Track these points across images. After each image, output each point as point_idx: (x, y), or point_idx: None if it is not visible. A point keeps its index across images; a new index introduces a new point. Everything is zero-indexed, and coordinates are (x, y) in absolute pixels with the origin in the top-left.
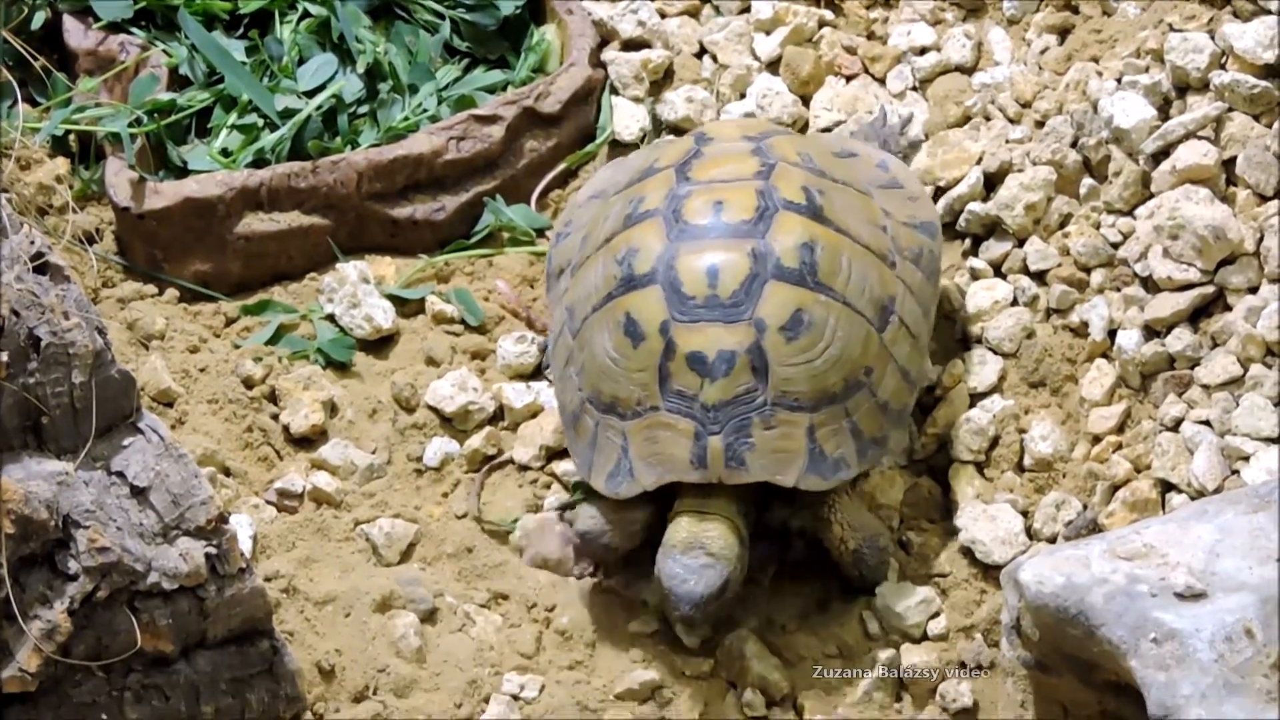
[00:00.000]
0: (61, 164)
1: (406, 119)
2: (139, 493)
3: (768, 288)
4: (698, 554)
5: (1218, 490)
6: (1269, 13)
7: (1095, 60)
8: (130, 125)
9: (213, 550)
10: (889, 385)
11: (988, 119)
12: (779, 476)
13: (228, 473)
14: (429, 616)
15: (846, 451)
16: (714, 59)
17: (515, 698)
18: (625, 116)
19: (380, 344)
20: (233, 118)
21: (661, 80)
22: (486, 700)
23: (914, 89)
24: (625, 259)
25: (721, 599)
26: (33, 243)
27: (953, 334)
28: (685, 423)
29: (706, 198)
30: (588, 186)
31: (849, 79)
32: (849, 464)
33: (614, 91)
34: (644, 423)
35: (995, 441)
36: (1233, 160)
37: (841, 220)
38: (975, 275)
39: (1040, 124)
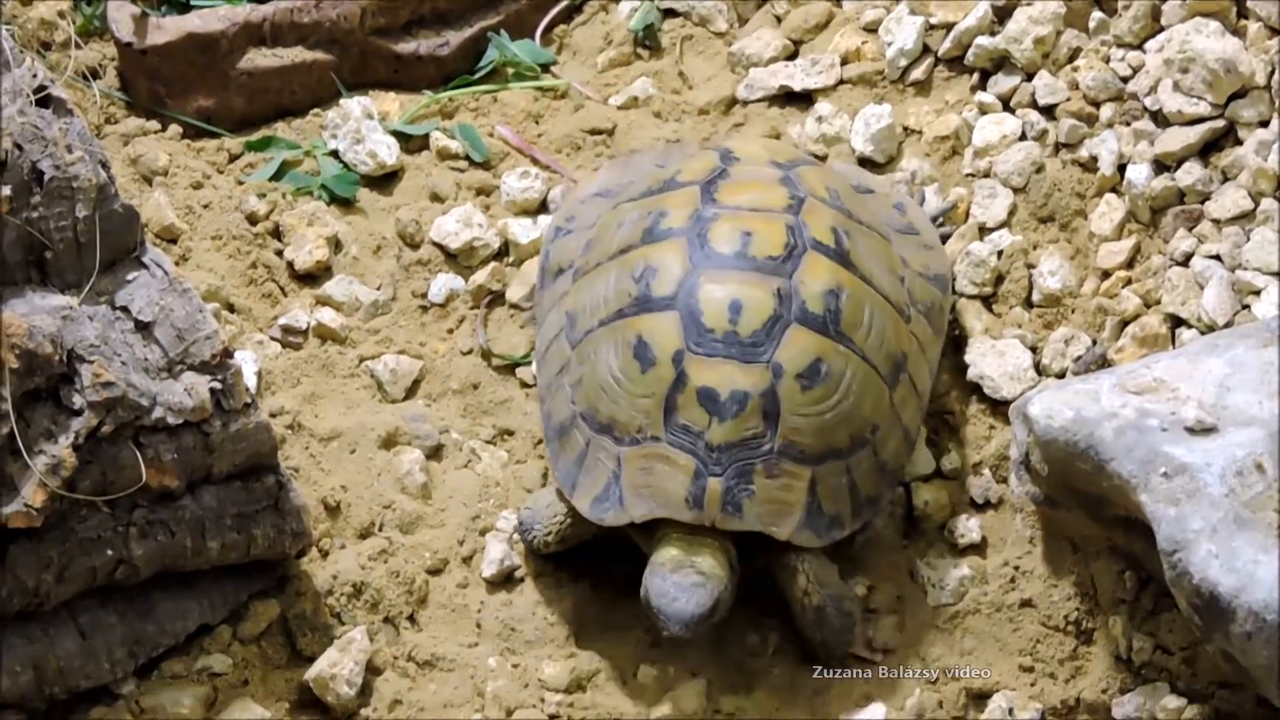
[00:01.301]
0: None
1: None
2: (143, 327)
3: (790, 332)
4: (688, 573)
5: (1228, 325)
6: None
7: None
8: None
9: (218, 385)
10: (891, 446)
11: None
12: (774, 529)
13: (232, 309)
14: (434, 452)
15: (842, 510)
16: None
17: (510, 537)
18: None
19: (384, 180)
20: None
21: None
22: (484, 534)
23: None
24: (643, 277)
25: (711, 619)
26: (35, 76)
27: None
28: (686, 459)
29: (734, 225)
30: (590, 182)
31: None
32: (843, 523)
33: None
34: (642, 451)
35: (1003, 277)
36: None
37: (866, 268)
38: (983, 110)
39: None
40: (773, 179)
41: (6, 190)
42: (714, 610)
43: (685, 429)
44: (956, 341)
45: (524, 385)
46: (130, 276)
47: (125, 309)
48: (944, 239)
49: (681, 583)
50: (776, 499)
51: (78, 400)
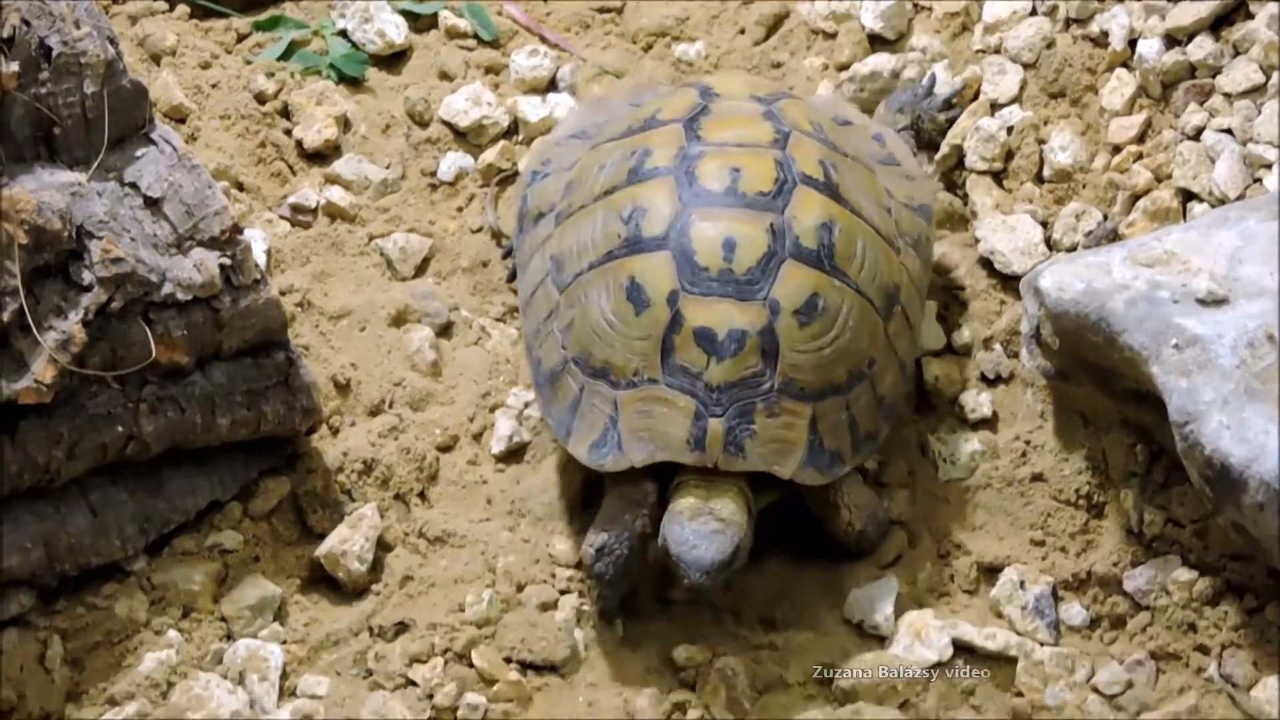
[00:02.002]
0: None
1: None
2: (152, 203)
3: (785, 268)
4: (707, 520)
5: (1239, 198)
6: None
7: None
8: None
9: (227, 261)
10: (888, 380)
11: None
12: (777, 467)
13: (241, 188)
14: (444, 330)
15: (843, 446)
16: None
17: (520, 413)
18: None
19: (393, 59)
20: None
21: None
22: (493, 411)
23: None
24: (632, 217)
25: (731, 566)
26: None
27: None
28: (685, 400)
29: (722, 161)
30: (564, 124)
31: None
32: (844, 459)
33: None
34: (639, 394)
35: (1013, 153)
36: None
37: (855, 200)
38: None
39: None
40: (756, 114)
41: (14, 66)
42: (734, 557)
43: (683, 370)
44: (965, 218)
45: None
46: (139, 153)
47: (134, 185)
48: (952, 121)
49: (701, 530)
50: (778, 437)
51: (87, 276)
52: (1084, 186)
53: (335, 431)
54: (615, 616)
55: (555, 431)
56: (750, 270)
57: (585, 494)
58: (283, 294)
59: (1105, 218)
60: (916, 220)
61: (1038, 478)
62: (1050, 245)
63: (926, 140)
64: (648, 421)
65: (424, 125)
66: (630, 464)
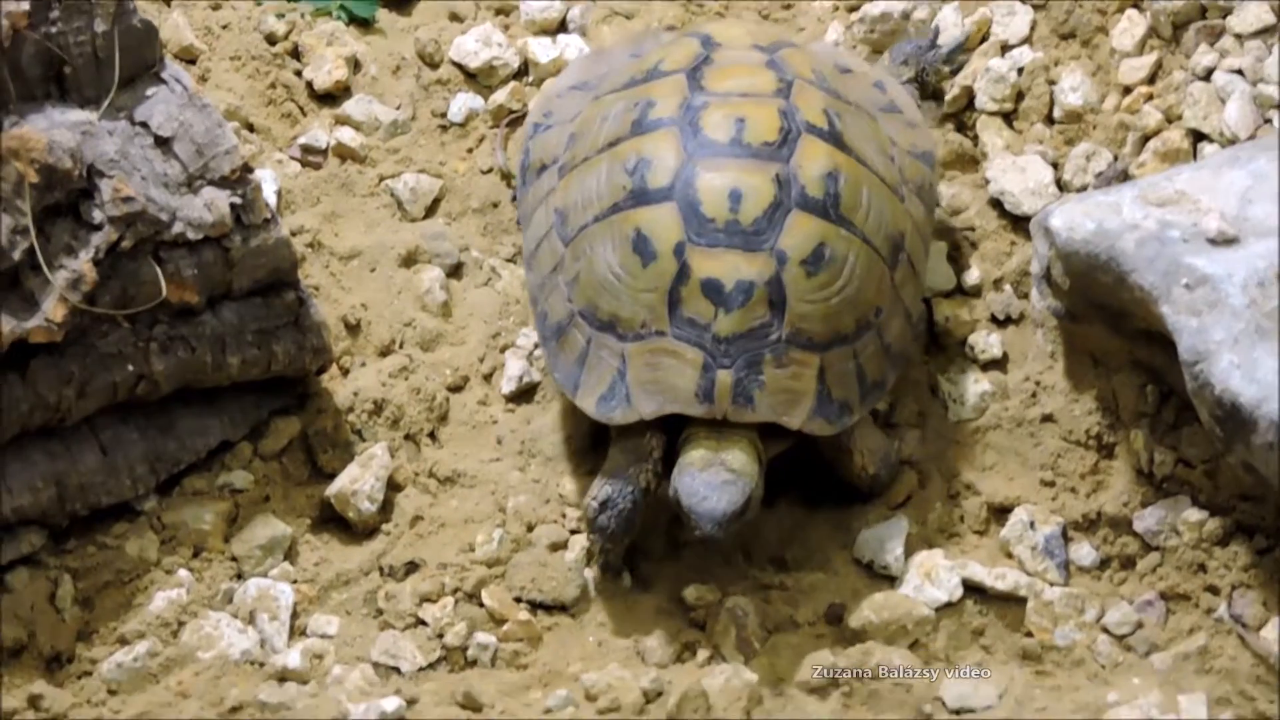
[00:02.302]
0: None
1: None
2: (163, 143)
3: (791, 217)
4: (718, 471)
5: (1250, 139)
6: None
7: None
8: None
9: (237, 200)
10: (894, 328)
11: None
12: (786, 418)
13: (251, 129)
14: (454, 270)
15: (851, 396)
16: None
17: (530, 354)
18: None
19: (403, 0)
20: None
21: None
22: (504, 351)
23: None
24: (637, 169)
25: (743, 517)
26: None
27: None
28: (693, 352)
29: (726, 112)
30: (564, 76)
31: None
32: (852, 409)
33: None
34: (647, 346)
35: (1023, 93)
36: None
37: (860, 149)
38: None
39: None
40: (759, 63)
41: (24, 5)
42: (746, 507)
43: (691, 322)
44: (976, 159)
45: None
46: (149, 92)
47: (144, 124)
48: (957, 70)
49: (712, 481)
50: (787, 388)
51: (97, 215)
52: (1094, 127)
53: (346, 372)
54: (619, 570)
55: (562, 385)
56: (757, 221)
57: (595, 435)
58: (293, 235)
59: (1115, 158)
60: (920, 167)
61: (1048, 418)
62: (1061, 186)
63: (931, 91)
64: (656, 374)
65: (434, 66)
66: (639, 416)
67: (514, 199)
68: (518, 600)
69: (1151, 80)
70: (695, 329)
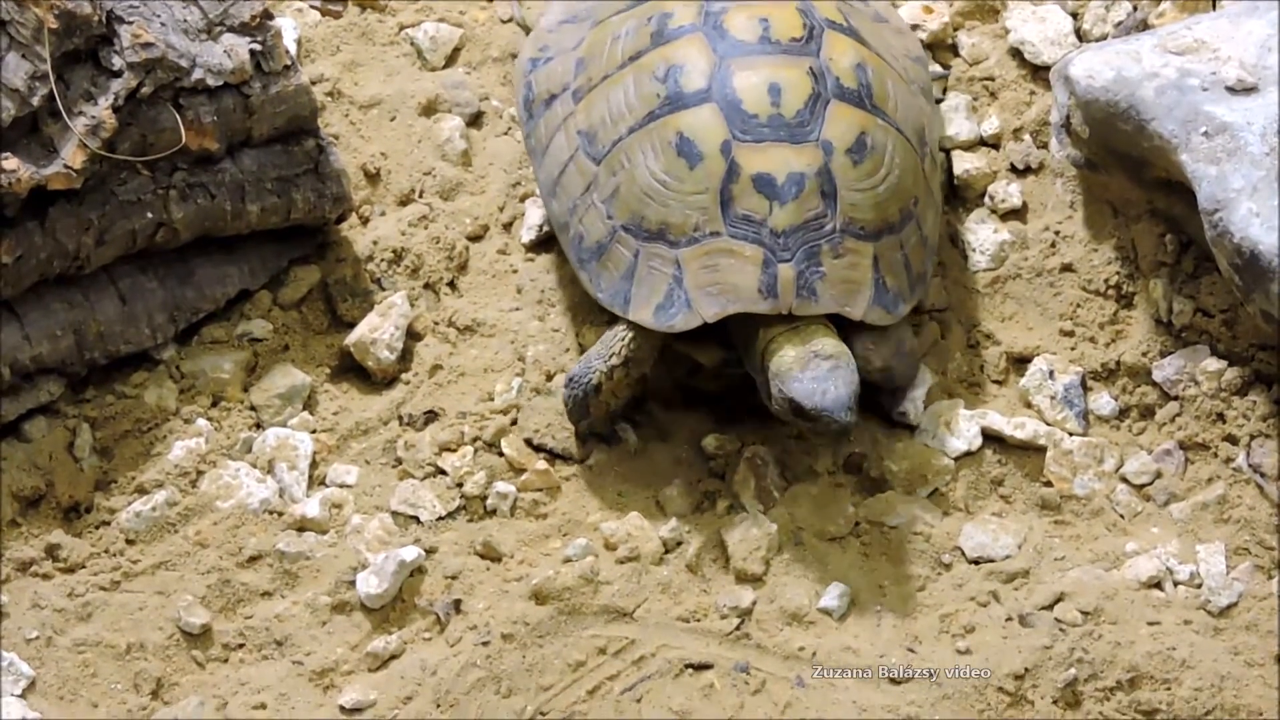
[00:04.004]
0: None
1: None
2: None
3: (831, 108)
4: (819, 363)
5: None
6: None
7: None
8: None
9: (257, 46)
10: (929, 219)
11: None
12: (848, 308)
13: None
14: (474, 120)
15: (901, 285)
16: None
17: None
18: None
19: None
20: None
21: None
22: (524, 200)
23: None
24: (669, 76)
25: (859, 395)
26: None
27: None
28: (752, 249)
29: (749, 13)
30: (550, 14)
31: None
32: (905, 298)
33: None
34: (703, 249)
35: None
36: None
37: (876, 44)
38: None
39: None
40: None
41: None
42: (859, 387)
43: (746, 219)
44: (996, 8)
45: None
46: None
47: None
48: None
49: (820, 373)
50: (847, 278)
51: (117, 61)
52: None
53: (365, 221)
54: (602, 436)
55: (610, 303)
56: (799, 113)
57: None
58: (313, 83)
59: (1135, 8)
60: (918, 69)
61: (1067, 268)
62: (1080, 36)
63: None
64: (716, 275)
65: None
66: (702, 320)
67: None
68: (528, 443)
69: None
70: (751, 225)
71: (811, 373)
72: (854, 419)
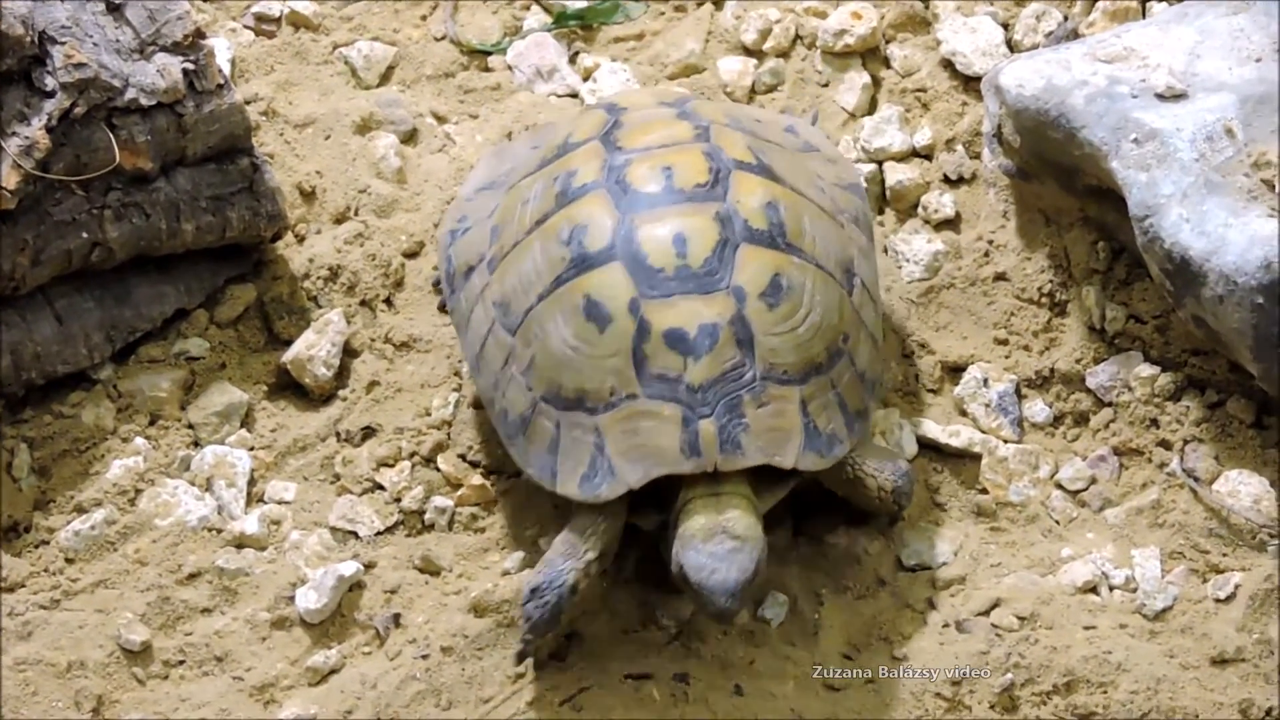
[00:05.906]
0: None
1: None
2: (115, 9)
3: (741, 252)
4: (722, 539)
5: None
6: None
7: None
8: None
9: (190, 66)
10: (864, 353)
11: None
12: (778, 458)
13: None
14: (409, 138)
15: (837, 426)
16: None
17: None
18: None
19: None
20: None
21: None
22: None
23: None
24: (573, 237)
25: (754, 583)
26: None
27: None
28: (671, 408)
29: (651, 164)
30: (470, 180)
31: None
32: (841, 439)
33: None
34: (621, 413)
35: None
36: None
37: (791, 179)
38: None
39: None
40: (670, 115)
41: None
42: (756, 573)
43: (661, 378)
44: (927, 20)
45: (488, 70)
46: None
47: None
48: None
49: (718, 551)
50: (773, 426)
51: (50, 82)
52: None
53: (301, 239)
54: (529, 657)
55: (539, 478)
56: (707, 261)
57: None
58: (247, 103)
59: (1065, 18)
60: (852, 198)
61: (1000, 277)
62: (1011, 46)
63: None
64: (636, 439)
65: None
66: (627, 487)
67: (435, 284)
68: (462, 458)
69: None
70: (667, 384)
71: (710, 548)
72: (736, 606)
